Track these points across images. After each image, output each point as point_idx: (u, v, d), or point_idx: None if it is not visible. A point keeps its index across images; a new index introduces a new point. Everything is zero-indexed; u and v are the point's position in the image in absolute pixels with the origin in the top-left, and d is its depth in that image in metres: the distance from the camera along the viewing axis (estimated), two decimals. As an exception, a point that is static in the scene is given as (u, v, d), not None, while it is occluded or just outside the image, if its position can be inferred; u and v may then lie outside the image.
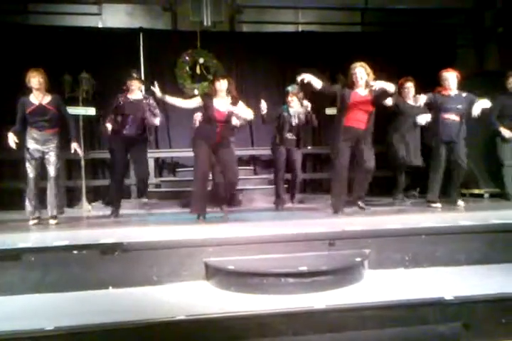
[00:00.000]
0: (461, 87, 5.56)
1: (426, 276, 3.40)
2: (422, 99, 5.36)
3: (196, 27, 8.26)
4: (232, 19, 8.81)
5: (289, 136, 5.96)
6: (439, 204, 5.42)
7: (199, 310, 2.68)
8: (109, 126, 5.29)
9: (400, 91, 6.09)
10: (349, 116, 4.95)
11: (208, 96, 4.98)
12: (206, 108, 4.88)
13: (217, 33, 8.48)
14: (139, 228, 4.41)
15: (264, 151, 8.28)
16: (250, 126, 8.36)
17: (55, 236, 3.87)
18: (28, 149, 4.87)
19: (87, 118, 7.37)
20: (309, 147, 6.20)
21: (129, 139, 5.30)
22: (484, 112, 5.32)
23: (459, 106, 5.40)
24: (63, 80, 7.10)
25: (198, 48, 8.34)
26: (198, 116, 6.14)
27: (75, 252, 3.27)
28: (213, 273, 3.31)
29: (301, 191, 7.48)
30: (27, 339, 2.42)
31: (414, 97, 5.91)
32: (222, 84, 4.87)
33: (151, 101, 5.42)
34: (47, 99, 4.92)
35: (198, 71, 8.35)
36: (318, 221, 4.55)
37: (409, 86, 6.06)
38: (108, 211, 5.65)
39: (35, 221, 4.89)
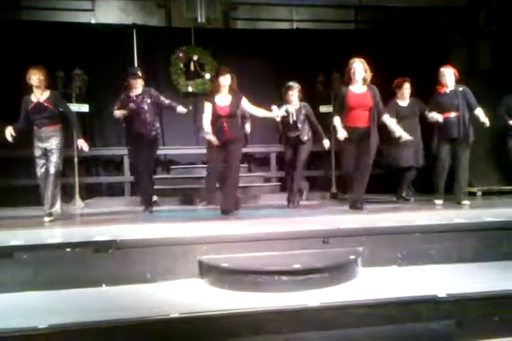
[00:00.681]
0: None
1: (419, 274, 3.41)
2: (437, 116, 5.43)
3: (190, 24, 8.24)
4: (227, 16, 8.79)
5: (292, 134, 5.94)
6: (440, 202, 5.44)
7: (193, 308, 2.68)
8: (117, 112, 5.33)
9: (395, 92, 6.13)
10: (350, 116, 4.96)
11: (209, 95, 5.09)
12: (211, 104, 4.95)
13: (212, 29, 8.45)
14: (132, 225, 4.39)
15: (258, 149, 8.30)
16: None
17: (48, 234, 3.85)
18: (34, 147, 4.90)
19: (80, 115, 7.32)
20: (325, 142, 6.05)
21: (140, 136, 5.34)
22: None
23: (456, 102, 5.41)
24: (56, 76, 7.04)
25: (192, 45, 8.30)
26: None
27: (68, 250, 3.25)
28: (207, 270, 3.30)
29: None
30: (20, 338, 2.40)
31: (410, 99, 5.95)
32: (226, 80, 4.92)
33: (153, 91, 5.44)
34: (45, 96, 4.91)
35: (192, 68, 8.32)
36: (312, 218, 4.55)
37: (406, 86, 6.08)
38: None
39: (50, 218, 4.85)
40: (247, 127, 6.30)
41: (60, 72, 7.09)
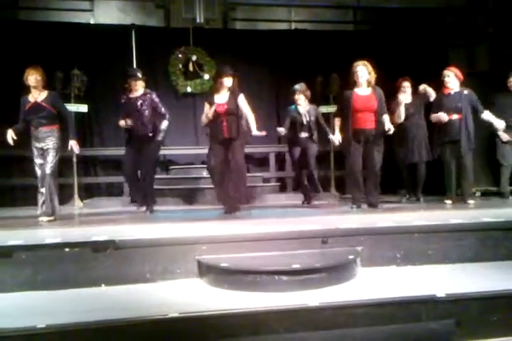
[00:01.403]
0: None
1: (418, 274, 3.42)
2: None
3: (189, 24, 8.25)
4: (225, 16, 8.80)
5: (303, 134, 5.97)
6: (449, 201, 5.49)
7: (192, 308, 2.67)
8: (122, 122, 5.34)
9: (397, 91, 6.15)
10: (356, 118, 4.99)
11: (209, 95, 5.18)
12: (209, 104, 5.03)
13: (210, 30, 8.46)
14: (131, 225, 4.38)
15: (257, 149, 8.30)
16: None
17: (46, 234, 3.85)
18: (31, 147, 4.89)
19: (79, 115, 7.33)
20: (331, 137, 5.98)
21: (140, 138, 5.33)
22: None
23: (459, 105, 5.42)
24: (55, 77, 7.05)
25: (190, 45, 8.31)
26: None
27: (67, 250, 3.25)
28: (206, 270, 3.30)
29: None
30: (18, 337, 2.39)
31: (413, 96, 5.98)
32: (229, 81, 5.00)
33: (154, 96, 5.41)
34: (42, 96, 4.89)
35: (190, 68, 8.33)
36: (311, 218, 4.56)
37: (406, 85, 6.11)
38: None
39: (46, 218, 4.83)
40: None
41: (59, 73, 7.09)
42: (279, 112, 8.27)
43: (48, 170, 4.81)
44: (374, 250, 3.60)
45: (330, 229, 3.75)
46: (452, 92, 5.49)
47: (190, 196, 6.86)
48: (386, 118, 5.13)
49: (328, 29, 8.83)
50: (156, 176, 8.00)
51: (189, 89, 8.26)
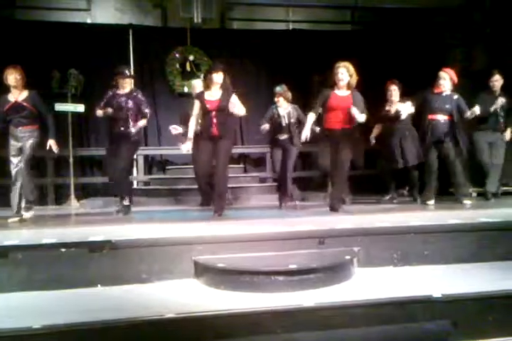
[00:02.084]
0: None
1: (415, 274, 3.42)
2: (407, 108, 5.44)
3: (186, 24, 8.24)
4: (223, 16, 8.80)
5: (282, 136, 5.94)
6: (432, 202, 5.46)
7: (188, 308, 2.67)
8: (100, 112, 5.26)
9: (384, 94, 6.15)
10: (329, 118, 4.96)
11: (200, 91, 5.10)
12: (200, 101, 4.96)
13: (208, 30, 8.46)
14: (128, 226, 4.38)
15: (255, 149, 8.30)
16: (240, 125, 8.36)
17: (43, 234, 3.83)
18: (10, 146, 4.85)
19: (76, 115, 7.31)
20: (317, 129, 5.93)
21: (120, 136, 5.26)
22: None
23: (447, 106, 5.43)
24: (52, 76, 7.04)
25: (188, 45, 8.30)
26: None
27: (63, 250, 3.24)
28: (203, 271, 3.30)
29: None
30: (14, 338, 2.38)
31: (401, 99, 5.96)
32: (219, 77, 4.90)
33: (140, 95, 5.36)
34: (23, 95, 4.86)
35: (188, 68, 8.32)
36: (308, 219, 4.55)
37: (393, 88, 6.10)
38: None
39: (15, 218, 4.80)
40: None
41: (55, 72, 7.08)
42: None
43: (23, 169, 4.76)
44: (371, 250, 3.60)
45: (327, 230, 3.75)
46: (444, 94, 5.48)
47: (187, 196, 6.84)
48: (361, 116, 4.88)
49: (325, 29, 8.83)
50: (154, 176, 8.06)
51: (186, 89, 8.25)
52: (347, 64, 4.95)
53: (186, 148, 5.03)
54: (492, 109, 5.92)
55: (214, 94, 4.93)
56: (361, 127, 5.10)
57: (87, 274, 3.22)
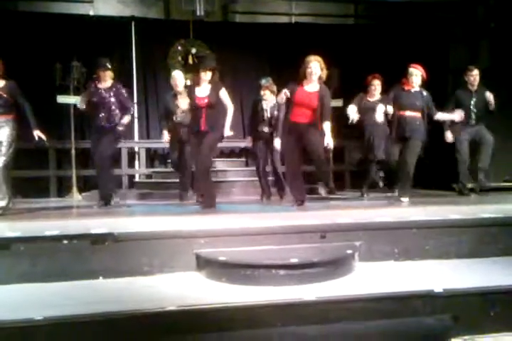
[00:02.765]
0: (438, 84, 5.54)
1: (416, 269, 3.42)
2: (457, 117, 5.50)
3: (189, 16, 8.20)
4: (225, 9, 8.76)
5: (264, 129, 5.91)
6: (406, 199, 5.38)
7: (190, 301, 2.68)
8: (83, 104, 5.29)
9: (366, 89, 6.12)
10: (294, 112, 4.90)
11: (190, 85, 5.16)
12: (189, 97, 5.00)
13: (210, 23, 8.42)
14: (130, 218, 4.39)
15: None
16: (242, 118, 8.34)
17: (45, 226, 3.83)
18: None
19: (78, 107, 7.29)
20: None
21: (101, 129, 5.26)
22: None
23: (417, 103, 5.33)
24: (54, 68, 7.02)
25: (190, 38, 8.27)
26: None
27: (66, 242, 3.24)
28: (205, 264, 3.30)
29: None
30: (16, 329, 2.40)
31: (382, 96, 5.93)
32: (207, 75, 4.94)
33: (122, 89, 5.34)
34: (0, 84, 4.82)
35: (190, 61, 8.29)
36: (309, 213, 4.56)
37: (376, 83, 6.09)
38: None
39: None
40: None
41: (58, 64, 7.06)
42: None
43: (0, 163, 4.67)
44: (372, 245, 3.60)
45: (328, 224, 3.75)
46: (413, 90, 5.38)
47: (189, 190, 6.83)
48: (327, 128, 4.86)
49: (328, 23, 8.79)
50: (155, 169, 8.06)
51: (188, 82, 8.22)
52: (318, 58, 4.94)
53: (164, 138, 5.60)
54: (492, 105, 5.88)
55: (203, 90, 4.95)
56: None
57: (89, 266, 3.22)
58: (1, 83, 4.84)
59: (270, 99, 5.92)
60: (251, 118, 6.16)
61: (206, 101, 4.88)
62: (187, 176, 5.94)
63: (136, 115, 7.67)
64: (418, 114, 5.36)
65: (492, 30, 8.36)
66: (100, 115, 5.24)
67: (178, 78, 5.93)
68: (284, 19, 8.99)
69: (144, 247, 3.33)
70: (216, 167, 7.20)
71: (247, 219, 4.12)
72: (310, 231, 3.62)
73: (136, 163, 8.06)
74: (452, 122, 5.89)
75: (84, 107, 5.32)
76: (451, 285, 2.92)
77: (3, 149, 4.70)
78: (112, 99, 5.26)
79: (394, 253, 3.63)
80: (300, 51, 8.20)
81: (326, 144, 4.85)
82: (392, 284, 3.01)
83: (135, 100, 7.32)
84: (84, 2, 8.31)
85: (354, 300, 2.75)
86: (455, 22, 8.74)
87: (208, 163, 4.99)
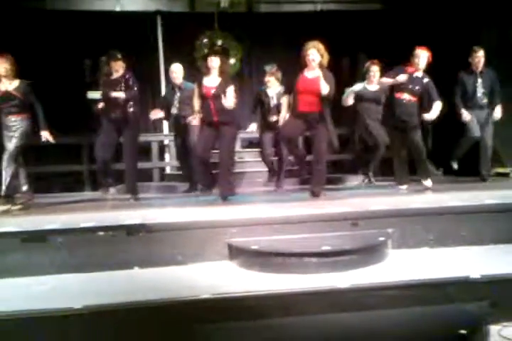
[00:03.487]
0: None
1: (451, 255, 3.37)
2: (401, 77, 5.11)
3: (213, 8, 8.19)
4: (250, -1, 8.71)
5: (272, 118, 5.75)
6: (404, 187, 5.29)
7: (223, 289, 2.71)
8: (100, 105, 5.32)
9: (365, 75, 5.98)
10: (300, 101, 4.79)
11: (200, 75, 5.06)
12: (198, 86, 4.93)
13: (235, 13, 8.39)
14: (163, 209, 4.44)
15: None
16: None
17: (81, 218, 3.93)
18: (3, 136, 4.89)
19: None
20: None
21: (117, 122, 5.23)
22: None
23: (417, 88, 5.13)
24: (84, 65, 7.14)
25: (215, 30, 8.27)
26: None
27: (101, 233, 3.32)
28: (237, 253, 3.33)
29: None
30: (56, 318, 2.47)
31: (379, 81, 5.77)
32: (213, 62, 4.85)
33: (130, 76, 5.27)
34: (13, 85, 4.88)
35: (216, 53, 8.29)
36: (341, 201, 4.52)
37: (375, 70, 5.93)
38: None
39: (4, 207, 4.78)
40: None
41: (87, 61, 7.17)
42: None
43: (8, 154, 4.77)
44: (405, 232, 3.56)
45: (360, 211, 3.72)
46: (414, 75, 5.15)
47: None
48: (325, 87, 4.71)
49: (354, 9, 8.63)
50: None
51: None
52: (316, 44, 4.80)
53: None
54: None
55: (212, 81, 4.87)
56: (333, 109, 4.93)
57: (124, 257, 3.29)
58: (14, 83, 4.91)
59: (275, 86, 5.80)
60: (254, 108, 5.98)
61: (213, 91, 4.81)
62: (189, 168, 5.90)
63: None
64: (415, 99, 5.18)
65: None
66: (112, 106, 5.20)
67: (177, 71, 5.90)
68: (309, 7, 8.85)
69: (177, 237, 3.39)
70: (241, 158, 7.16)
71: (278, 207, 4.13)
72: (342, 219, 3.61)
73: (167, 155, 8.14)
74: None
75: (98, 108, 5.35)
76: (488, 271, 2.87)
77: (13, 143, 4.79)
78: (123, 89, 5.21)
79: (428, 239, 3.59)
80: (326, 38, 8.17)
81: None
82: (427, 271, 2.97)
83: (162, 94, 7.33)
84: (110, -2, 8.39)
85: (388, 287, 2.72)
86: (486, 5, 8.46)
87: (231, 158, 4.99)
